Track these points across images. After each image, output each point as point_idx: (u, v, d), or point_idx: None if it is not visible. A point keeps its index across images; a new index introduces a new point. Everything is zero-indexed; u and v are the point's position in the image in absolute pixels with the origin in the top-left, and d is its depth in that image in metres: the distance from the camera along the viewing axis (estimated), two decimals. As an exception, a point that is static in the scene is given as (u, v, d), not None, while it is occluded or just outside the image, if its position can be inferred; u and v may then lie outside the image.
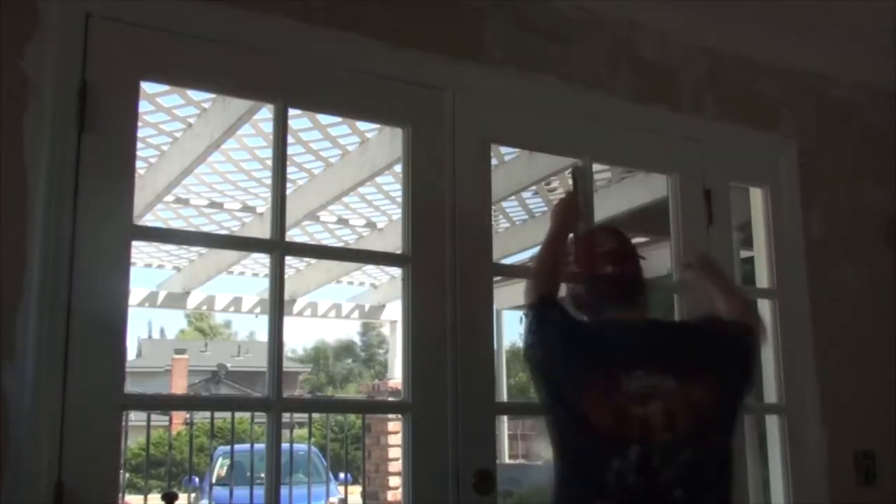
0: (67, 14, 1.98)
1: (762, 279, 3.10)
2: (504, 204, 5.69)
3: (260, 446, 7.98)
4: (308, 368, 34.70)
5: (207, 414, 11.57)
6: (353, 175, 4.86)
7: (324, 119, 4.39)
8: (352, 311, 8.72)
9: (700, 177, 2.92)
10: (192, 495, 9.83)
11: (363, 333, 36.78)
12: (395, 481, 7.28)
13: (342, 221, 6.37)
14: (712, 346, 2.12)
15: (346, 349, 38.53)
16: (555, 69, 2.70)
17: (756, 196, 3.15)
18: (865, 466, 3.08)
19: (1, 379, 1.82)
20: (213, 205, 5.83)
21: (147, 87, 3.55)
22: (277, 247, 2.27)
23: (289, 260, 5.07)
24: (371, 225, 6.44)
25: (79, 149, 1.95)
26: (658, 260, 3.10)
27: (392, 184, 5.33)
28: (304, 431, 12.08)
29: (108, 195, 2.00)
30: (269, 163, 2.65)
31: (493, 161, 2.60)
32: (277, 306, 2.22)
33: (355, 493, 8.88)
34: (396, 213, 5.96)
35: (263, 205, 5.74)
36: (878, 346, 3.19)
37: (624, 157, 3.01)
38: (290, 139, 3.20)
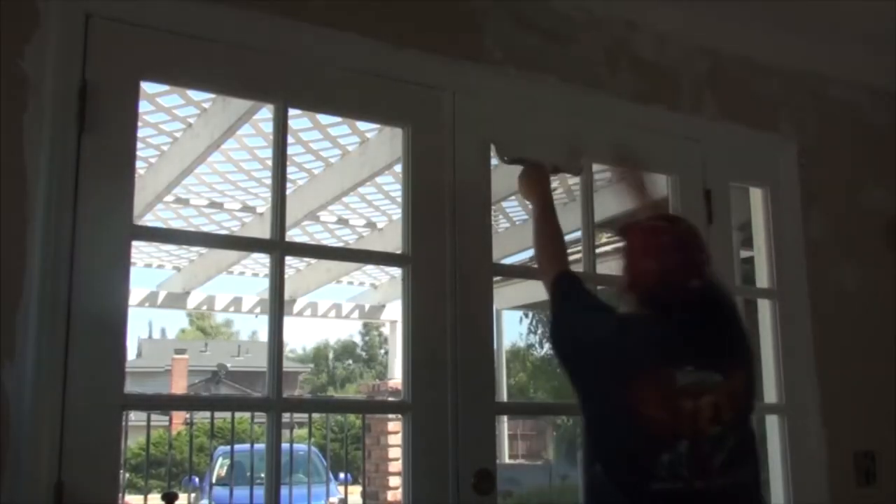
0: (67, 14, 1.98)
1: (762, 279, 3.10)
2: (504, 204, 5.69)
3: (260, 446, 7.97)
4: (308, 368, 34.72)
5: (207, 414, 11.56)
6: (353, 175, 4.86)
7: (324, 119, 4.39)
8: (352, 311, 8.72)
9: (700, 177, 2.92)
10: (192, 495, 9.84)
11: (365, 334, 36.80)
12: (395, 481, 7.28)
13: (342, 221, 6.36)
14: (741, 333, 2.16)
15: (347, 349, 38.53)
16: (555, 69, 2.70)
17: (756, 196, 3.15)
18: (865, 466, 3.08)
19: (1, 379, 1.82)
20: (213, 205, 5.83)
21: (147, 87, 3.54)
22: (277, 247, 2.27)
23: (289, 260, 5.07)
24: (371, 225, 6.44)
25: (79, 149, 1.95)
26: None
27: (392, 184, 5.33)
28: (304, 431, 12.08)
29: (108, 195, 2.00)
30: (269, 163, 2.65)
31: (493, 161, 2.59)
32: (277, 306, 2.22)
33: (355, 493, 8.88)
34: (396, 213, 5.96)
35: (263, 205, 5.73)
36: (878, 346, 3.19)
37: (624, 157, 3.00)
38: (290, 139, 3.20)
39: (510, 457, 11.25)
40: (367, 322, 20.71)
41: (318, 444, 13.06)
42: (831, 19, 2.97)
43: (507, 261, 6.14)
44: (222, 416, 11.60)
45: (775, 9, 2.89)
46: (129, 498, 11.25)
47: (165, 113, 4.20)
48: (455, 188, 2.45)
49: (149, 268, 7.39)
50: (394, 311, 8.48)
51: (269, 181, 2.90)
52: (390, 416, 7.22)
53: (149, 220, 5.50)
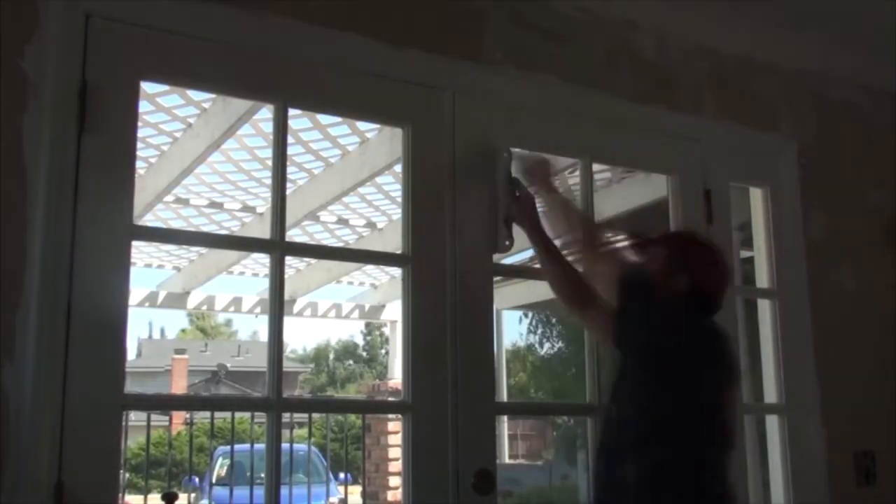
0: (67, 14, 1.98)
1: (762, 279, 3.10)
2: (504, 204, 5.67)
3: (260, 446, 7.97)
4: (308, 368, 34.71)
5: (207, 414, 11.56)
6: (353, 175, 4.86)
7: (324, 119, 4.39)
8: (352, 311, 8.72)
9: (700, 177, 2.92)
10: (192, 495, 9.84)
11: (367, 334, 36.80)
12: (395, 481, 7.28)
13: (342, 221, 6.36)
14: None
15: (347, 349, 38.53)
16: (555, 69, 2.70)
17: (756, 196, 3.15)
18: (865, 466, 3.08)
19: (1, 379, 1.82)
20: (213, 205, 5.83)
21: (147, 87, 3.55)
22: (277, 247, 2.27)
23: (289, 260, 5.06)
24: (371, 225, 6.44)
25: (79, 149, 1.95)
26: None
27: (392, 184, 5.33)
28: (304, 431, 12.08)
29: (108, 195, 2.00)
30: (269, 163, 2.65)
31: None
32: (277, 306, 2.22)
33: (355, 493, 8.88)
34: (396, 213, 5.95)
35: (263, 205, 5.73)
36: (878, 347, 3.19)
37: (624, 157, 3.01)
38: (290, 139, 3.20)
39: (510, 457, 11.24)
40: (368, 322, 20.71)
41: (318, 444, 13.06)
42: (831, 19, 2.97)
43: (507, 261, 6.14)
44: (222, 416, 11.60)
45: (775, 9, 2.89)
46: (129, 498, 11.25)
47: (165, 113, 4.20)
48: (455, 188, 2.45)
49: (149, 268, 7.39)
50: (394, 311, 8.48)
51: (269, 181, 2.90)
52: (390, 416, 7.22)
53: (149, 220, 5.50)
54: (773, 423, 3.01)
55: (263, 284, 7.93)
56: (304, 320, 9.65)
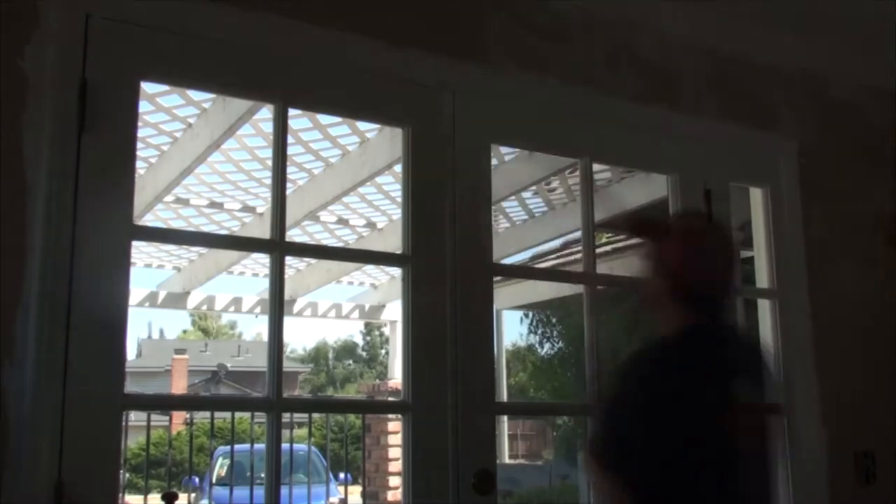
0: (67, 14, 1.98)
1: (762, 279, 3.10)
2: (504, 204, 5.69)
3: (260, 446, 7.98)
4: (308, 368, 34.71)
5: (207, 414, 11.57)
6: (353, 175, 4.86)
7: (324, 119, 4.39)
8: (352, 311, 8.72)
9: (700, 177, 2.92)
10: (192, 495, 9.84)
11: (367, 334, 36.80)
12: (395, 481, 7.28)
13: (342, 221, 6.36)
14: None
15: (347, 349, 38.53)
16: (555, 69, 2.70)
17: (756, 196, 3.15)
18: (865, 466, 3.08)
19: (1, 379, 1.82)
20: (213, 205, 5.83)
21: (147, 87, 3.55)
22: (277, 247, 2.26)
23: (289, 260, 5.07)
24: (371, 225, 6.44)
25: (79, 149, 1.95)
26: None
27: (392, 184, 5.33)
28: (304, 431, 12.08)
29: (108, 195, 2.00)
30: (269, 163, 2.66)
31: (493, 161, 2.59)
32: (277, 306, 2.22)
33: (355, 493, 8.88)
34: (396, 213, 5.95)
35: (263, 205, 5.73)
36: (878, 346, 3.19)
37: (624, 157, 3.01)
38: (290, 139, 3.20)
39: (510, 457, 11.24)
40: (368, 322, 20.71)
41: (318, 444, 13.06)
42: (831, 19, 2.97)
43: (507, 261, 6.15)
44: (222, 416, 11.62)
45: (775, 9, 2.89)
46: (129, 498, 11.27)
47: (165, 113, 4.20)
48: (455, 188, 2.45)
49: (149, 268, 7.40)
50: (394, 311, 8.48)
51: (269, 181, 2.91)
52: (390, 416, 7.21)
53: (149, 220, 5.50)
54: (772, 423, 3.01)
55: (263, 284, 7.94)
56: (304, 320, 9.66)
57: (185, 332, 37.05)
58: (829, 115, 3.28)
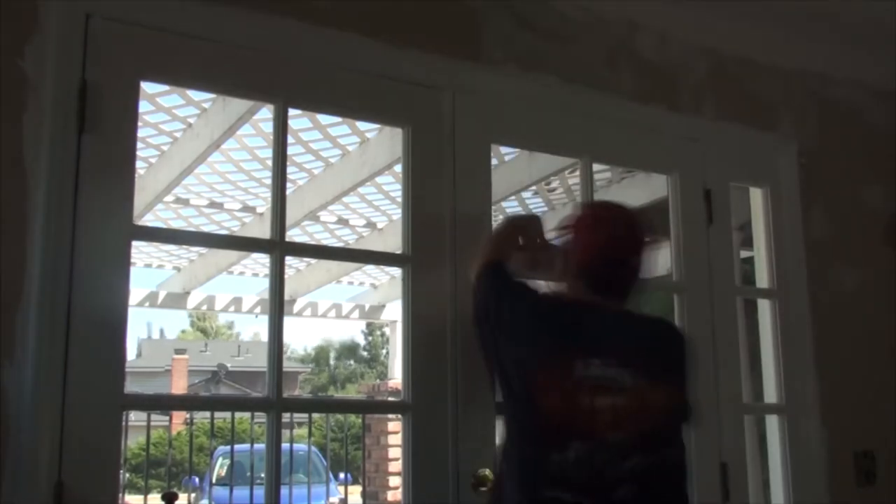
0: (67, 14, 1.98)
1: (762, 279, 3.10)
2: (504, 204, 5.68)
3: (260, 446, 7.97)
4: (308, 368, 34.72)
5: (207, 414, 11.57)
6: (353, 175, 4.86)
7: (324, 119, 4.38)
8: (352, 311, 8.72)
9: (700, 177, 2.92)
10: (192, 495, 9.84)
11: (368, 334, 36.79)
12: (395, 481, 7.27)
13: (342, 221, 6.36)
14: (680, 352, 2.06)
15: (348, 349, 38.52)
16: (555, 69, 2.70)
17: (756, 196, 3.15)
18: (865, 466, 3.08)
19: (1, 379, 1.82)
20: (213, 205, 5.83)
21: (147, 87, 3.54)
22: (277, 247, 2.27)
23: (289, 260, 5.06)
24: (371, 225, 6.44)
25: (79, 149, 1.95)
26: (658, 260, 3.10)
27: (392, 184, 5.32)
28: (304, 431, 12.08)
29: (108, 195, 2.00)
30: (269, 163, 2.65)
31: (493, 161, 2.59)
32: (277, 306, 2.22)
33: (355, 493, 8.88)
34: (396, 213, 5.95)
35: (263, 205, 5.73)
36: (878, 346, 3.19)
37: (624, 157, 3.01)
38: (290, 139, 3.20)
39: (510, 457, 11.24)
40: (370, 322, 20.71)
41: (318, 444, 13.07)
42: (831, 19, 2.97)
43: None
44: (222, 416, 11.62)
45: (775, 9, 2.89)
46: (129, 498, 11.27)
47: (165, 113, 4.20)
48: (455, 188, 2.45)
49: (149, 268, 7.40)
50: (394, 311, 8.48)
51: (269, 181, 2.90)
52: (390, 416, 7.21)
53: (149, 220, 5.50)
54: (773, 423, 3.01)
55: (263, 284, 7.94)
56: (304, 320, 9.66)
57: (183, 332, 37.05)
58: (829, 115, 3.28)
